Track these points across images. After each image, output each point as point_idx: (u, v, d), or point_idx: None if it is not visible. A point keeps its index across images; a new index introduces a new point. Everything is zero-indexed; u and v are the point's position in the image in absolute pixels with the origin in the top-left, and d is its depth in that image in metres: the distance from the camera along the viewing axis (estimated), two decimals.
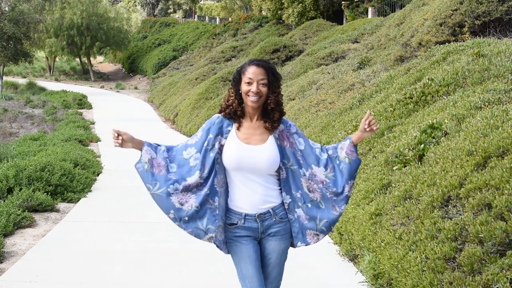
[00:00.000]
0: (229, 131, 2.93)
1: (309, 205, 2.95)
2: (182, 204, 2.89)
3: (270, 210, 2.93)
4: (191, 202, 2.89)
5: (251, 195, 2.90)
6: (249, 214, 2.92)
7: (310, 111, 10.01)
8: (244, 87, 2.86)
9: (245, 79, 2.86)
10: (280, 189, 2.95)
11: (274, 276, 3.04)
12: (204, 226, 2.92)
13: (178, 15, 54.63)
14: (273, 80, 2.88)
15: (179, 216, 2.91)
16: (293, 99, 11.68)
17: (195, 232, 2.94)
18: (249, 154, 2.86)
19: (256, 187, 2.90)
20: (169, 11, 58.16)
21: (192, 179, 2.89)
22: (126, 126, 17.35)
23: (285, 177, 2.93)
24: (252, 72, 2.85)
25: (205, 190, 2.89)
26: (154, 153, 2.93)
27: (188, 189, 2.89)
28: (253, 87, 2.84)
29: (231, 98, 2.93)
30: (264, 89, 2.85)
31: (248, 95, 2.86)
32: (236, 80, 2.92)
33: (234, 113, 2.92)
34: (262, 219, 2.92)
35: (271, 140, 2.90)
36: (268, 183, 2.92)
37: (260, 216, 2.92)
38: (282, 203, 2.96)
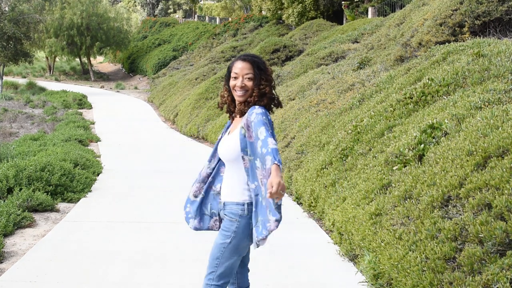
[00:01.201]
0: (229, 125, 3.14)
1: (260, 198, 2.94)
2: (196, 196, 3.20)
3: (222, 203, 3.08)
4: (201, 191, 3.18)
5: (224, 183, 3.11)
6: (219, 199, 3.17)
7: (310, 111, 10.01)
8: (231, 82, 2.98)
9: (232, 74, 2.97)
10: (248, 188, 2.97)
11: (208, 264, 3.10)
12: (209, 210, 3.19)
13: (178, 15, 54.64)
14: (258, 74, 2.94)
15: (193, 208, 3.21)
16: (293, 99, 11.68)
17: (202, 219, 3.21)
18: (220, 145, 3.10)
19: (228, 178, 3.07)
20: (169, 11, 58.17)
21: (203, 170, 3.22)
22: (126, 126, 17.38)
23: (248, 167, 2.97)
24: (238, 67, 2.95)
25: (210, 179, 3.17)
26: None
27: (202, 181, 3.21)
28: (238, 82, 2.93)
29: (225, 95, 3.08)
30: (249, 83, 2.93)
31: (235, 90, 2.96)
32: (227, 77, 3.03)
33: (228, 109, 3.08)
34: (220, 208, 3.13)
35: (236, 130, 2.99)
36: (234, 177, 3.01)
37: (220, 204, 3.13)
38: (236, 204, 3.00)
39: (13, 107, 19.32)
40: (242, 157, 2.93)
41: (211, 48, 31.42)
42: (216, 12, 47.15)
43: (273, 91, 3.08)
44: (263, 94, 2.96)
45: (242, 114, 2.99)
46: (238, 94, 2.95)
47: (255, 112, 2.89)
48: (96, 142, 13.39)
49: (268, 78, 2.98)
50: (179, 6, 57.35)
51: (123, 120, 18.88)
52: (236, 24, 33.97)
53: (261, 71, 2.96)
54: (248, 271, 3.30)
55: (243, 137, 2.92)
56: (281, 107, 3.13)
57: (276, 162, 2.70)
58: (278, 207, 2.85)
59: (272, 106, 3.08)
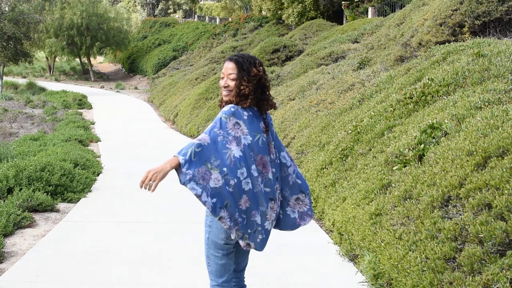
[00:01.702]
0: None
1: None
2: None
3: None
4: None
5: None
6: None
7: (310, 111, 10.01)
8: (220, 82, 3.08)
9: (221, 74, 3.07)
10: None
11: None
12: None
13: (178, 15, 54.61)
14: (241, 75, 2.99)
15: None
16: (293, 99, 11.68)
17: None
18: None
19: None
20: (169, 11, 58.15)
21: None
22: (126, 126, 17.38)
23: None
24: (224, 66, 3.05)
25: None
26: None
27: None
28: (222, 81, 3.03)
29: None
30: (232, 83, 3.00)
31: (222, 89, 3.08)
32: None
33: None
34: None
35: None
36: None
37: None
38: None
39: (13, 107, 19.32)
40: None
41: (211, 48, 31.41)
42: (216, 12, 47.14)
43: (267, 92, 3.09)
44: (244, 95, 2.99)
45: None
46: (223, 94, 3.05)
47: (221, 110, 3.02)
48: (96, 142, 13.39)
49: (250, 79, 2.99)
50: (179, 6, 57.33)
51: (123, 120, 18.87)
52: (236, 24, 33.96)
53: (243, 72, 2.98)
54: (243, 276, 3.31)
55: None
56: (275, 108, 3.15)
57: (175, 154, 2.89)
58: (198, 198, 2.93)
59: (265, 107, 3.10)
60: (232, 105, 3.00)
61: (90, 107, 22.80)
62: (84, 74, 41.76)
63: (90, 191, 8.01)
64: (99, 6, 38.78)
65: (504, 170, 3.89)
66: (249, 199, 2.94)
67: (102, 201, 7.52)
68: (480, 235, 3.56)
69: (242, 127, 2.97)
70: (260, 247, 3.06)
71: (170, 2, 58.27)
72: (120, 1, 60.99)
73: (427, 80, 6.77)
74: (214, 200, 2.85)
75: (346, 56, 13.96)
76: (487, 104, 5.26)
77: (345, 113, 8.56)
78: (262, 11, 30.71)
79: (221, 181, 2.87)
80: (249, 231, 2.96)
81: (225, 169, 2.88)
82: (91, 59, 42.11)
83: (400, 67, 9.18)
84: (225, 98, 3.05)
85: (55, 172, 7.53)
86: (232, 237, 2.94)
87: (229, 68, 3.01)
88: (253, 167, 2.97)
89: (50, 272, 4.81)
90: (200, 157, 2.85)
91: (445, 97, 6.21)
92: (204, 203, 2.85)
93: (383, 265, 4.25)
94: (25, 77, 38.83)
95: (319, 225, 6.30)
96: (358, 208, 5.31)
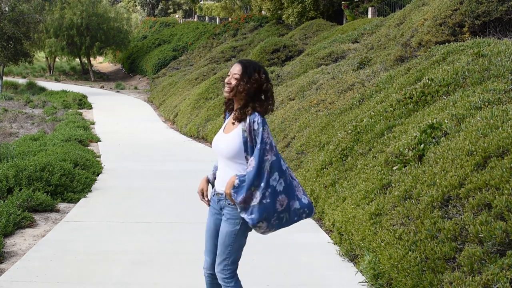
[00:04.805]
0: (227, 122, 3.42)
1: None
2: None
3: (224, 193, 3.26)
4: None
5: (219, 175, 3.36)
6: (215, 190, 3.39)
7: (310, 111, 10.01)
8: (226, 79, 3.32)
9: (228, 72, 3.34)
10: None
11: (219, 252, 3.32)
12: None
13: (178, 15, 54.62)
14: (243, 76, 3.22)
15: None
16: (293, 99, 11.68)
17: None
18: (218, 140, 3.36)
19: (222, 170, 3.32)
20: (169, 11, 58.16)
21: None
22: (126, 126, 17.38)
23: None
24: (233, 67, 3.29)
25: None
26: None
27: None
28: (227, 78, 3.27)
29: None
30: (234, 82, 3.23)
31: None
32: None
33: (227, 106, 3.40)
34: (218, 199, 3.34)
35: (236, 131, 3.24)
36: (231, 168, 3.25)
37: (218, 195, 3.35)
38: None
39: (13, 107, 19.32)
40: (246, 157, 3.24)
41: (211, 48, 31.40)
42: (216, 12, 47.12)
43: (269, 97, 3.28)
44: (239, 92, 3.22)
45: (235, 116, 3.27)
46: (225, 89, 3.30)
47: (258, 122, 3.19)
48: (96, 142, 13.39)
49: (249, 82, 3.20)
50: (179, 6, 57.34)
51: (123, 120, 18.87)
52: (236, 24, 33.95)
53: (245, 74, 3.22)
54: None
55: (245, 139, 3.23)
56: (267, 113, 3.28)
57: None
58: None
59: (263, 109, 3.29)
60: (256, 114, 3.18)
61: (90, 107, 22.79)
62: (84, 74, 41.74)
63: (90, 191, 8.01)
64: (99, 6, 38.75)
65: (504, 170, 3.89)
66: (285, 195, 3.17)
67: (102, 201, 7.52)
68: (480, 235, 3.56)
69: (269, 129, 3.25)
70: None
71: (170, 2, 58.28)
72: (120, 1, 60.99)
73: (427, 80, 6.77)
74: (253, 216, 3.13)
75: (346, 56, 13.96)
76: (487, 104, 5.26)
77: (345, 113, 8.56)
78: (262, 11, 30.72)
79: (259, 197, 3.12)
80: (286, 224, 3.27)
81: (262, 184, 3.12)
82: (91, 59, 42.07)
83: (400, 67, 9.18)
84: (225, 94, 3.30)
85: (55, 172, 7.53)
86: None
87: (236, 69, 3.25)
88: (282, 162, 3.21)
89: (50, 272, 4.81)
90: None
91: (445, 97, 6.22)
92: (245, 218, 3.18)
93: (383, 265, 4.25)
94: (25, 77, 38.79)
95: (319, 225, 6.30)
96: (358, 208, 5.31)
